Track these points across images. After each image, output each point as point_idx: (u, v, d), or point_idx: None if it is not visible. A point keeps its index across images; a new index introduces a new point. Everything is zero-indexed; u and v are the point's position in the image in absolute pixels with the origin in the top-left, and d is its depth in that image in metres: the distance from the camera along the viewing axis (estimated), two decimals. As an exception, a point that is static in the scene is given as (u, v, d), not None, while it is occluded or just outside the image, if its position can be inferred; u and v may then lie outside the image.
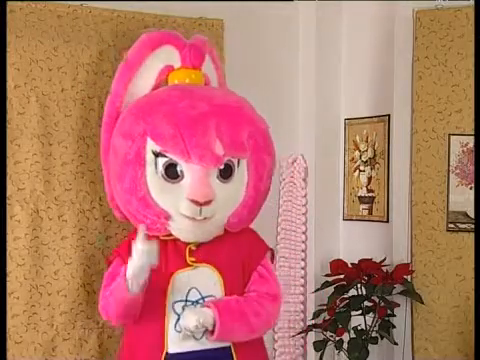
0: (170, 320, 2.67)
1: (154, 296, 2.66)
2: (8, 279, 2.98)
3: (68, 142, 3.13)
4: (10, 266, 3.01)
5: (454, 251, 3.52)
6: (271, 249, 2.92)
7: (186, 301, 2.67)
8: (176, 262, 2.70)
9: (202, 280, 2.70)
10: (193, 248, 2.73)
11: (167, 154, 2.64)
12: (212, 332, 2.63)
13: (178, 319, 2.66)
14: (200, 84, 2.88)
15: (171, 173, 2.65)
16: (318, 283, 3.68)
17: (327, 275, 3.62)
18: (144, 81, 2.84)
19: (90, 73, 3.16)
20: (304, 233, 3.77)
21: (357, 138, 3.90)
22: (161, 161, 2.65)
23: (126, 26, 3.25)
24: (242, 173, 2.74)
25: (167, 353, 2.66)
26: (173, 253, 2.72)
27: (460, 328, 3.49)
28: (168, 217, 2.67)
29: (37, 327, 3.07)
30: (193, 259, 2.71)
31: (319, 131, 3.88)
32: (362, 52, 3.88)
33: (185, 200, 2.63)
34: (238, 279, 2.76)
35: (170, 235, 2.73)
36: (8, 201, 3.00)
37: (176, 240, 2.74)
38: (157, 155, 2.65)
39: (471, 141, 3.46)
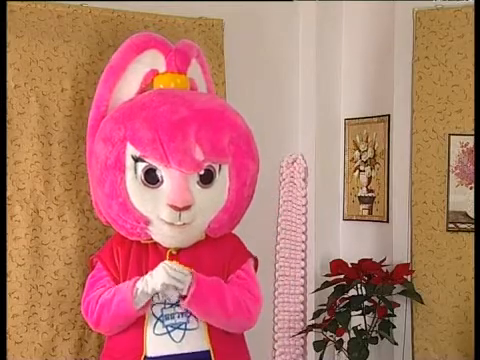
0: (149, 323, 2.67)
1: None
2: (8, 279, 2.98)
3: (68, 142, 3.13)
4: (10, 266, 3.01)
5: (454, 251, 3.52)
6: (254, 257, 2.89)
7: (165, 304, 2.67)
8: (156, 266, 2.69)
9: None
10: (174, 253, 2.72)
11: (146, 159, 2.63)
12: (185, 298, 2.61)
13: (157, 322, 2.67)
14: (185, 89, 2.86)
15: (151, 178, 2.64)
16: (318, 283, 3.68)
17: (327, 275, 3.62)
18: (129, 85, 2.83)
19: (90, 73, 3.16)
20: (304, 233, 3.77)
21: (357, 138, 3.90)
22: (140, 166, 2.64)
23: (126, 26, 3.25)
24: (223, 178, 2.73)
25: (146, 357, 2.66)
26: (154, 258, 2.72)
27: (460, 328, 3.49)
28: (148, 222, 2.66)
29: (37, 327, 3.07)
30: None
31: (319, 131, 3.88)
32: (362, 52, 3.88)
33: (164, 205, 2.62)
34: None
35: (151, 239, 2.73)
36: (8, 201, 3.00)
37: (157, 245, 2.74)
38: (137, 160, 2.64)
39: (471, 141, 3.46)
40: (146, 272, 2.68)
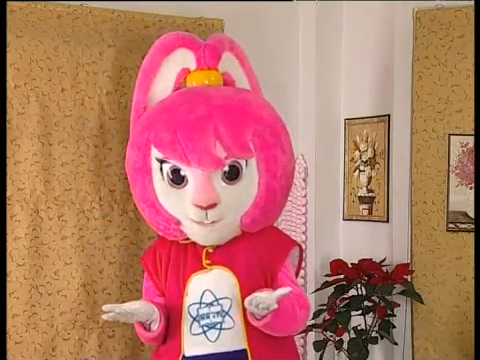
0: (186, 323, 2.65)
1: (173, 300, 2.67)
2: (8, 279, 2.99)
3: (68, 142, 3.14)
4: (10, 266, 3.01)
5: (454, 251, 3.52)
6: (299, 245, 2.83)
7: (200, 303, 2.65)
8: (193, 265, 2.68)
9: (216, 282, 2.66)
10: (210, 251, 2.70)
11: (169, 160, 2.64)
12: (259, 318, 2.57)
13: (193, 322, 2.65)
14: (218, 85, 2.83)
15: (176, 178, 2.64)
16: (318, 283, 3.68)
17: (327, 275, 3.62)
18: (162, 86, 2.80)
19: (90, 73, 3.16)
20: (304, 233, 3.75)
21: (357, 138, 3.91)
22: (166, 167, 2.64)
23: (126, 26, 3.25)
24: (252, 173, 2.68)
25: (184, 356, 2.65)
26: (191, 257, 2.71)
27: (460, 328, 3.49)
28: (178, 223, 2.66)
29: (37, 327, 3.07)
30: (208, 262, 2.69)
31: (319, 131, 3.88)
32: (362, 52, 3.88)
33: (190, 205, 2.62)
34: (256, 281, 2.68)
35: (188, 239, 2.73)
36: (8, 201, 3.00)
37: (195, 244, 2.73)
38: (161, 162, 2.64)
39: (471, 141, 3.46)
40: (183, 272, 2.68)
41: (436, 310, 3.55)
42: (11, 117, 3.02)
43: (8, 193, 3.00)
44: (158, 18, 3.34)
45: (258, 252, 2.72)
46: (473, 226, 3.43)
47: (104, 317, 2.46)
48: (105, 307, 2.46)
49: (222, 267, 2.67)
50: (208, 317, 2.64)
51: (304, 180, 3.73)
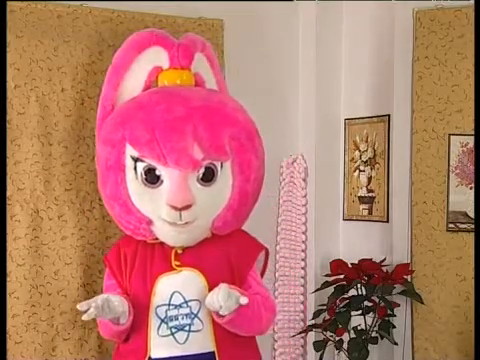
0: (154, 325, 2.65)
1: (139, 300, 2.66)
2: (8, 279, 2.99)
3: (68, 142, 3.13)
4: (10, 266, 3.01)
5: (454, 251, 3.52)
6: (265, 248, 2.85)
7: (169, 305, 2.65)
8: (161, 266, 2.68)
9: (186, 284, 2.66)
10: (179, 252, 2.70)
11: (145, 159, 2.63)
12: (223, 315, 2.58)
13: (161, 324, 2.65)
14: (190, 85, 2.83)
15: (151, 178, 2.63)
16: (318, 283, 3.68)
17: (327, 275, 3.62)
18: (133, 83, 2.80)
19: (90, 73, 3.16)
20: (304, 233, 3.76)
21: (357, 138, 3.91)
22: (140, 166, 2.63)
23: (126, 26, 3.25)
24: (226, 176, 2.70)
25: (150, 358, 2.65)
26: (159, 257, 2.71)
27: (460, 328, 3.50)
28: (150, 222, 2.66)
29: (37, 327, 3.07)
30: (178, 263, 2.69)
31: (319, 131, 3.88)
32: (362, 52, 3.88)
33: (164, 205, 2.61)
34: (225, 283, 2.66)
35: (157, 239, 2.72)
36: (8, 201, 3.00)
37: (163, 244, 2.72)
38: (136, 160, 2.63)
39: (471, 141, 3.46)
40: (150, 272, 2.68)
41: (436, 310, 3.55)
42: (11, 117, 3.02)
43: (8, 193, 3.00)
44: (158, 18, 3.34)
45: (227, 255, 2.73)
46: (473, 226, 3.43)
47: (84, 318, 2.43)
48: (80, 305, 2.44)
49: (192, 269, 2.67)
50: (177, 319, 2.64)
51: (304, 180, 3.73)
